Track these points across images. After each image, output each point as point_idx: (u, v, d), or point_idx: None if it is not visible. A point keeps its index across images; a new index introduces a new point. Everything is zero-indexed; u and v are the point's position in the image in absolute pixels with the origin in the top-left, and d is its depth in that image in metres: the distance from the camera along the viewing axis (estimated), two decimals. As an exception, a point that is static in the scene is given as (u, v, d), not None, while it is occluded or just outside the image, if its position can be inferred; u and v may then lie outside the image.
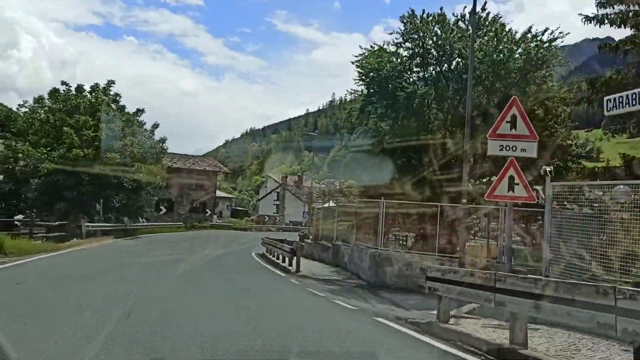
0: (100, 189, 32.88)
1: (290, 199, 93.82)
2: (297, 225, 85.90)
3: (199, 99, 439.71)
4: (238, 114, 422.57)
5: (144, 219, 47.39)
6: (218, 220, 61.99)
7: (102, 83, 37.00)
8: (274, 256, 26.00)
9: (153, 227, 44.89)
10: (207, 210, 59.08)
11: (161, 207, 51.08)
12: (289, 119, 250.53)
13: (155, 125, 39.03)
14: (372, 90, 21.23)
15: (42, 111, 35.24)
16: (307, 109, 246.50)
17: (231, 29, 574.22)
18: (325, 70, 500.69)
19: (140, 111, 38.22)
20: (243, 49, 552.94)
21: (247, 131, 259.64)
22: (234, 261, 24.57)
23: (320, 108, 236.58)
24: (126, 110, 37.49)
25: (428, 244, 19.22)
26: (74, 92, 35.81)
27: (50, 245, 22.77)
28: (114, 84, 37.02)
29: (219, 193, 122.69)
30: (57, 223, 31.51)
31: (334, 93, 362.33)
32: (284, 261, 23.14)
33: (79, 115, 33.91)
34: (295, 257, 20.81)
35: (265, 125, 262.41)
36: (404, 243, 20.00)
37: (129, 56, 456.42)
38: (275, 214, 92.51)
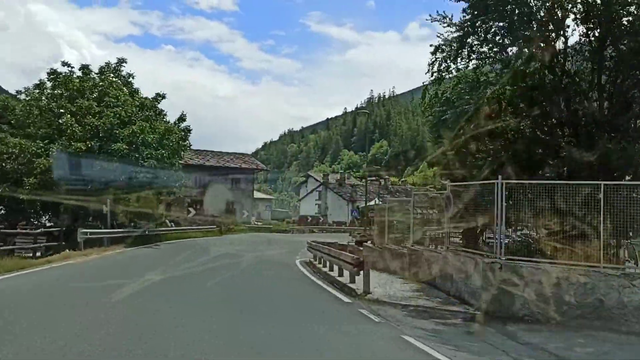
0: (106, 188, 26.48)
1: (333, 198, 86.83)
2: (341, 226, 79.10)
3: (236, 103, 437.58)
4: (275, 117, 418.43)
5: (171, 223, 41.12)
6: (257, 223, 55.57)
7: (113, 62, 30.52)
8: (325, 266, 18.98)
9: (180, 231, 38.44)
10: (244, 211, 52.55)
11: (190, 209, 44.70)
12: (327, 119, 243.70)
13: (182, 118, 32.36)
14: (475, 12, 13.14)
15: (43, 97, 29.06)
16: (345, 108, 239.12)
17: (266, 33, 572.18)
18: (360, 70, 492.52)
19: (160, 97, 31.63)
20: (278, 52, 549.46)
21: (285, 132, 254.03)
22: (272, 276, 17.63)
23: (358, 106, 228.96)
24: (141, 93, 30.97)
25: (575, 248, 11.77)
26: (79, 74, 29.53)
27: (22, 262, 16.32)
28: (126, 62, 30.65)
29: (257, 194, 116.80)
30: (58, 229, 25.37)
31: (372, 90, 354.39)
32: (341, 274, 16.12)
33: (82, 100, 27.57)
34: (362, 272, 13.74)
35: (303, 126, 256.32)
36: (538, 247, 12.51)
37: (167, 64, 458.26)
38: (317, 215, 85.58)
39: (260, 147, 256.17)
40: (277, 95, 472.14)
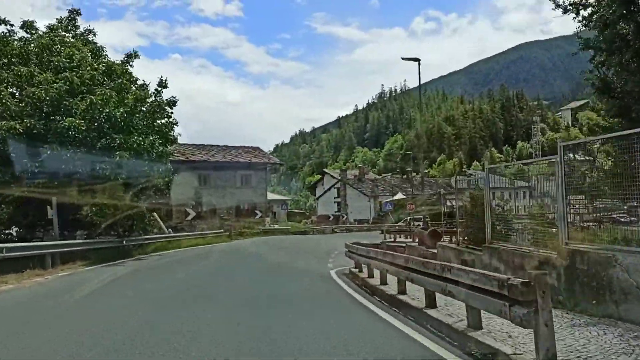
0: (57, 184, 18.32)
1: (353, 195, 78.52)
2: (363, 224, 70.93)
3: (245, 108, 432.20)
4: (285, 119, 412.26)
5: (169, 229, 33.04)
6: (273, 225, 47.66)
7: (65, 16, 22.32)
8: (382, 282, 10.72)
9: (175, 239, 30.27)
10: (257, 211, 44.32)
11: (188, 211, 36.62)
12: (338, 117, 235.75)
13: (163, 84, 23.97)
14: None
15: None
16: (356, 105, 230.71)
17: (272, 37, 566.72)
18: (368, 68, 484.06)
19: (132, 56, 23.52)
20: (285, 55, 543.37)
21: (296, 133, 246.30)
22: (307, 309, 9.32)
23: (370, 102, 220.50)
24: (106, 53, 22.83)
25: None
26: (24, 34, 21.48)
27: None
28: (80, 14, 22.54)
29: (272, 196, 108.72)
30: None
31: (382, 85, 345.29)
32: (431, 305, 7.85)
33: (22, 67, 19.45)
34: (534, 318, 5.37)
35: (315, 127, 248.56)
36: None
37: (175, 73, 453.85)
38: (337, 213, 77.33)
39: (271, 149, 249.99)
40: (286, 98, 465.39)
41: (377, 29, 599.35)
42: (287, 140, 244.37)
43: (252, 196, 45.34)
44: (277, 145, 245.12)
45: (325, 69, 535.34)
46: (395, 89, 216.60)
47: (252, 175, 45.76)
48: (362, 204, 76.62)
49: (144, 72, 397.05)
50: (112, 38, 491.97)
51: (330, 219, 65.51)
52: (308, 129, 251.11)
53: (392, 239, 35.80)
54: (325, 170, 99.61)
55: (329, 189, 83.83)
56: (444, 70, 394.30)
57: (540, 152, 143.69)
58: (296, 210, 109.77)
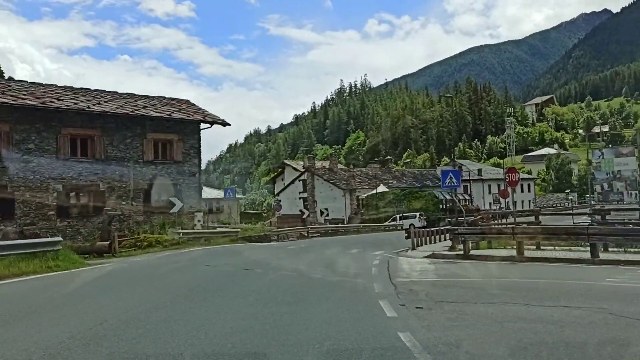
0: None
1: (323, 189, 60.02)
2: (338, 223, 52.89)
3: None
4: (241, 121, 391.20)
5: None
6: (212, 225, 29.09)
7: None
8: None
9: None
10: (174, 201, 24.41)
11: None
12: (296, 116, 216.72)
13: None
14: None
15: None
16: (314, 102, 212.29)
17: (225, 38, 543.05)
18: (323, 70, 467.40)
19: None
20: (239, 56, 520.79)
21: (250, 133, 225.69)
22: None
23: (329, 98, 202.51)
24: None
25: None
26: None
27: None
28: None
29: (221, 194, 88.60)
30: None
31: (342, 80, 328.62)
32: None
33: None
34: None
35: (271, 127, 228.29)
36: None
37: (125, 75, 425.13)
38: (305, 211, 58.77)
39: (225, 149, 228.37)
40: (241, 99, 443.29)
41: (331, 32, 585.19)
42: (241, 140, 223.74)
43: (177, 177, 25.88)
44: (230, 146, 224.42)
45: (280, 71, 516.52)
46: (355, 84, 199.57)
47: (175, 142, 26.18)
48: (336, 199, 58.34)
49: (93, 74, 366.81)
50: (58, 38, 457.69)
51: (305, 216, 46.50)
52: (264, 130, 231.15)
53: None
54: (285, 162, 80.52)
55: (292, 182, 64.95)
56: (398, 73, 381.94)
57: (514, 146, 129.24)
58: (251, 211, 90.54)
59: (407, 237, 21.07)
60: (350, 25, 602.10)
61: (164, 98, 28.19)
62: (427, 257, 16.13)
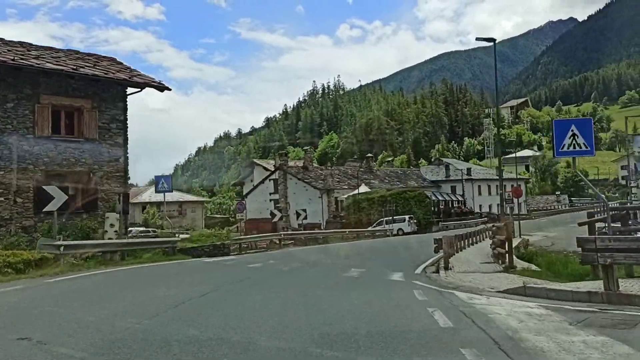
0: None
1: (297, 190, 52.05)
2: (314, 228, 45.45)
3: (169, 115, 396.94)
4: (211, 126, 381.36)
5: None
6: (134, 233, 21.05)
7: None
8: None
9: None
10: (56, 196, 15.68)
11: None
12: (267, 118, 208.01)
13: None
14: None
15: None
16: (285, 104, 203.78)
17: (195, 41, 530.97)
18: (295, 74, 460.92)
19: None
20: (209, 60, 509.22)
21: (220, 136, 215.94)
22: None
23: (301, 99, 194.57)
24: None
25: None
26: None
27: None
28: None
29: (186, 197, 79.74)
30: None
31: (314, 81, 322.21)
32: None
33: None
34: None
35: (242, 130, 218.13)
36: None
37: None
38: (277, 213, 50.69)
39: (193, 153, 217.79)
40: (212, 103, 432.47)
41: (303, 36, 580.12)
42: (211, 144, 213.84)
43: (89, 161, 17.48)
44: (199, 148, 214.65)
45: (252, 75, 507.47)
46: (329, 85, 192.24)
47: (87, 111, 17.73)
48: (311, 201, 50.41)
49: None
50: (24, 40, 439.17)
51: (275, 219, 38.71)
52: (235, 133, 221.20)
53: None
54: (255, 161, 72.29)
55: (262, 181, 56.73)
56: (370, 78, 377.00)
57: (492, 147, 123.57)
58: (218, 216, 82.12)
59: (436, 250, 13.22)
60: (322, 30, 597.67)
61: (77, 52, 19.77)
62: (517, 294, 8.25)
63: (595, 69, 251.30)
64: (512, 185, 38.35)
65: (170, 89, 18.16)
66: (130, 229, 54.90)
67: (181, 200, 76.95)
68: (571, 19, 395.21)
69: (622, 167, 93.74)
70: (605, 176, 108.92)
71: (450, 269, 12.45)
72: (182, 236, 55.96)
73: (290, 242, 33.14)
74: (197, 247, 18.92)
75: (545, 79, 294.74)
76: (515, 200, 31.78)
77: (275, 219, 38.32)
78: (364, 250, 21.41)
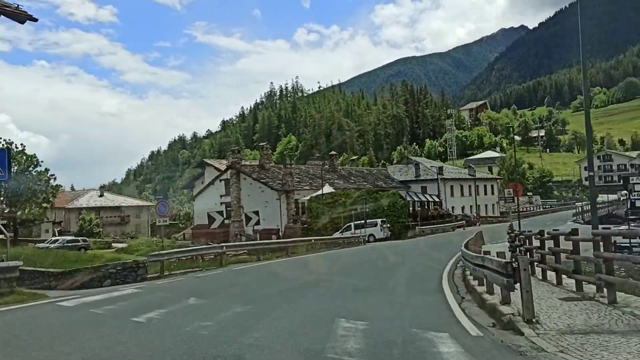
0: None
1: (252, 192, 45.25)
2: (271, 235, 38.94)
3: (122, 119, 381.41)
4: (166, 131, 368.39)
5: None
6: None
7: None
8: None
9: None
10: None
11: None
12: (223, 121, 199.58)
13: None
14: None
15: None
16: (242, 106, 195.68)
17: (150, 44, 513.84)
18: (252, 78, 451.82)
19: None
20: (164, 64, 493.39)
21: (174, 139, 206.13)
22: None
23: (258, 101, 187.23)
24: None
25: None
26: None
27: None
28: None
29: (133, 201, 71.54)
30: None
31: (272, 82, 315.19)
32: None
33: None
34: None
35: (197, 134, 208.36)
36: None
37: (42, 81, 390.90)
38: (219, 218, 43.58)
39: (147, 157, 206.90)
40: (168, 108, 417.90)
41: (260, 40, 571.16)
42: (165, 147, 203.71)
43: None
44: (152, 152, 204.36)
45: (209, 79, 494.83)
46: (287, 87, 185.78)
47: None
48: (269, 203, 43.74)
49: (6, 80, 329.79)
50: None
51: (215, 224, 31.82)
52: (189, 137, 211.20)
53: None
54: (205, 160, 64.87)
55: (212, 182, 49.57)
56: (328, 83, 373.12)
57: (455, 149, 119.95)
58: (172, 222, 74.13)
59: (513, 286, 6.74)
60: (279, 34, 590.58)
61: None
62: None
63: (547, 74, 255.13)
64: (472, 188, 32.64)
65: (36, 20, 11.23)
66: (56, 237, 46.78)
67: (124, 205, 68.77)
68: (522, 27, 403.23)
69: (585, 168, 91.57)
70: (569, 177, 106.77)
71: (536, 321, 6.17)
72: (117, 245, 47.49)
73: (242, 253, 26.31)
74: (80, 270, 11.99)
75: (500, 84, 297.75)
76: (515, 199, 26.23)
77: (215, 225, 31.38)
78: (346, 269, 15.11)
